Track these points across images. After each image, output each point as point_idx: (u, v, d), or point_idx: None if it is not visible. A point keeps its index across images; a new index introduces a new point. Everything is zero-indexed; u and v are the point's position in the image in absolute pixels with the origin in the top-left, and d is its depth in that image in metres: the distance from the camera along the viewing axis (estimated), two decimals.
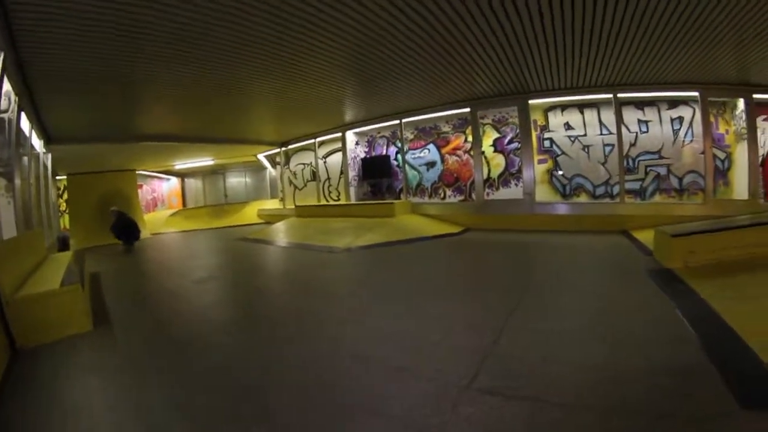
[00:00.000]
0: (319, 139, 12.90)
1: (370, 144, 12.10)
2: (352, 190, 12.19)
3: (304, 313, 3.93)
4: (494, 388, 2.19)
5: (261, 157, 16.44)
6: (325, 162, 13.16)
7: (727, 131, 8.27)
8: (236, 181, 21.42)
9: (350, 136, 12.00)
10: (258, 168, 19.12)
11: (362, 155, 12.26)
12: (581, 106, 8.54)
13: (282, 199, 15.48)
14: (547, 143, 8.89)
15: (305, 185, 14.15)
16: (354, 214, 10.59)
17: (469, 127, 9.60)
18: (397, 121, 10.58)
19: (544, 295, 4.07)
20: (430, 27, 4.83)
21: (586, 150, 8.58)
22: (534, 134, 8.87)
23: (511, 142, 9.31)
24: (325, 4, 4.07)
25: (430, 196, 10.78)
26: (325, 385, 2.38)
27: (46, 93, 6.11)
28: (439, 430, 1.87)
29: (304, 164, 14.13)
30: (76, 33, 4.22)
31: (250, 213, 17.22)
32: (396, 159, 11.33)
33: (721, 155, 8.16)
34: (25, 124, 6.14)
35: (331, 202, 12.98)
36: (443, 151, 10.46)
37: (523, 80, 7.55)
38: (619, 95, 7.94)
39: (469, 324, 3.30)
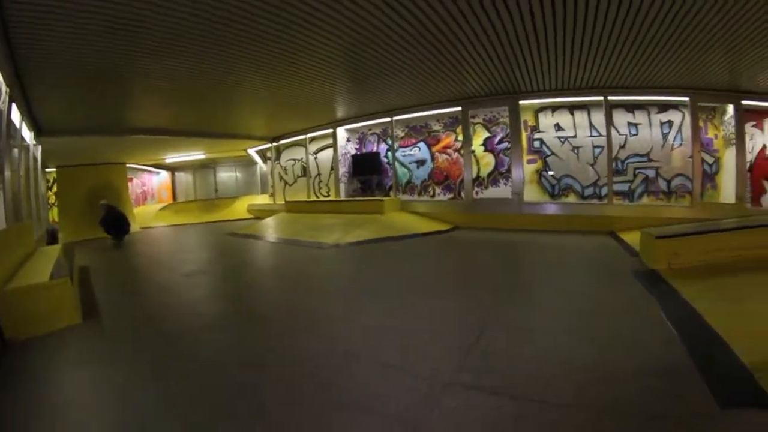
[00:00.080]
0: (310, 135, 12.82)
1: (361, 141, 12.04)
2: (342, 187, 12.15)
3: (293, 308, 3.97)
4: (481, 385, 2.22)
5: (252, 152, 16.30)
6: (315, 158, 13.09)
7: (716, 136, 8.37)
8: (227, 175, 21.28)
9: (341, 132, 11.97)
10: (249, 163, 18.98)
11: (353, 152, 12.20)
12: (572, 108, 8.57)
13: (272, 195, 15.37)
14: (537, 144, 8.91)
15: (295, 181, 14.06)
16: (344, 211, 10.56)
17: (460, 126, 9.61)
18: (389, 119, 10.56)
19: (532, 295, 4.15)
20: (422, 26, 4.86)
21: (575, 151, 8.61)
22: (524, 134, 8.89)
23: (501, 141, 9.32)
24: (322, 3, 4.13)
25: (419, 194, 10.77)
26: (312, 379, 2.42)
27: (38, 85, 6.02)
28: (422, 423, 1.92)
29: (294, 160, 14.03)
30: (73, 27, 4.23)
31: (241, 208, 17.10)
32: (386, 156, 11.29)
33: (710, 159, 8.26)
34: (15, 115, 6.05)
35: (321, 198, 12.91)
36: (433, 149, 10.44)
37: (514, 81, 7.56)
38: (610, 98, 7.99)
39: (457, 322, 3.32)
